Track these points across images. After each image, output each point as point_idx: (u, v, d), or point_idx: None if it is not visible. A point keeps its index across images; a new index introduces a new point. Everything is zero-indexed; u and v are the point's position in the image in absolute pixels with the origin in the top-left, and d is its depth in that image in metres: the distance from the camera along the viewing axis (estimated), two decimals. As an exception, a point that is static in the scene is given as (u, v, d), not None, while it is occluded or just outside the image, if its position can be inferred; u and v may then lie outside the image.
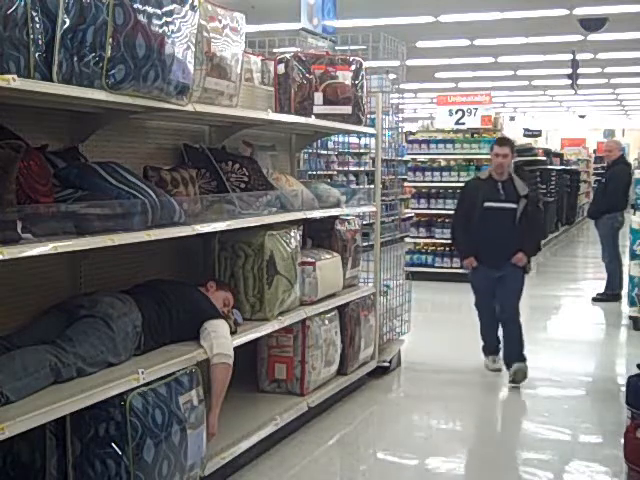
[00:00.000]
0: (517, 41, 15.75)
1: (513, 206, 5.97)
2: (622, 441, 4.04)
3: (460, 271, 10.97)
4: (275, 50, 6.35)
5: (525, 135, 24.46)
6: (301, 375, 4.90)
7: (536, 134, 25.63)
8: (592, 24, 13.52)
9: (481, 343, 6.47)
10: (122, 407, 3.09)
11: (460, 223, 6.24)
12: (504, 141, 6.25)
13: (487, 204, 6.00)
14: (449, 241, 11.05)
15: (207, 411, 3.62)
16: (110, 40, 2.95)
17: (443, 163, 12.10)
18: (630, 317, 8.15)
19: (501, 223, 5.97)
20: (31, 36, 2.76)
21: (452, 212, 11.23)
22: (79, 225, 3.02)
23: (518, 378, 5.95)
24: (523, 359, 6.04)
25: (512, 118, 31.92)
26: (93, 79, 3.00)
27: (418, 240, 11.57)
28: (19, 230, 2.71)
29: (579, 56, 16.40)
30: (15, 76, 2.60)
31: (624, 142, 16.57)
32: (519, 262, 6.00)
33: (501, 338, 6.28)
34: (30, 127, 3.34)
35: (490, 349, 6.45)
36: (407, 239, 11.34)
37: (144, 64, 3.10)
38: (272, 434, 4.42)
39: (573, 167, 20.38)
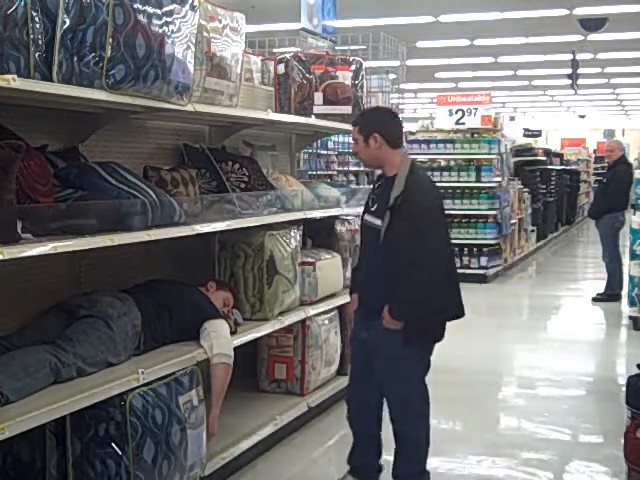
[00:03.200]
0: (517, 41, 15.76)
1: (376, 223, 3.58)
2: (622, 441, 4.04)
3: (460, 271, 11.02)
4: (275, 50, 6.36)
5: (525, 135, 24.49)
6: (301, 375, 4.90)
7: (536, 134, 25.65)
8: (592, 24, 13.54)
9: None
10: (122, 407, 3.09)
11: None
12: (355, 118, 3.92)
13: (365, 217, 3.77)
14: (449, 241, 11.05)
15: (207, 411, 3.62)
16: (110, 40, 2.95)
17: (443, 163, 12.09)
18: (630, 317, 8.14)
19: (367, 248, 3.76)
20: (31, 36, 2.77)
21: (453, 213, 11.41)
22: (79, 225, 3.02)
23: None
24: None
25: (512, 118, 31.93)
26: (93, 79, 3.00)
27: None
28: (19, 230, 2.71)
29: (579, 56, 16.41)
30: (15, 76, 2.60)
31: (624, 142, 16.53)
32: (387, 324, 3.54)
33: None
34: (30, 127, 3.34)
35: (360, 474, 3.85)
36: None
37: (144, 64, 3.10)
38: (272, 434, 4.42)
39: (573, 167, 20.39)
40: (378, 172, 3.92)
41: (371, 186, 4.00)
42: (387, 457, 3.85)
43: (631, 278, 8.16)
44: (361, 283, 3.77)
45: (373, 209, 3.65)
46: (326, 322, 5.10)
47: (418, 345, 3.60)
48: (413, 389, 3.69)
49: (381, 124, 3.68)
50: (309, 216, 4.93)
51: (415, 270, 3.46)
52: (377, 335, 3.60)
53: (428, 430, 3.75)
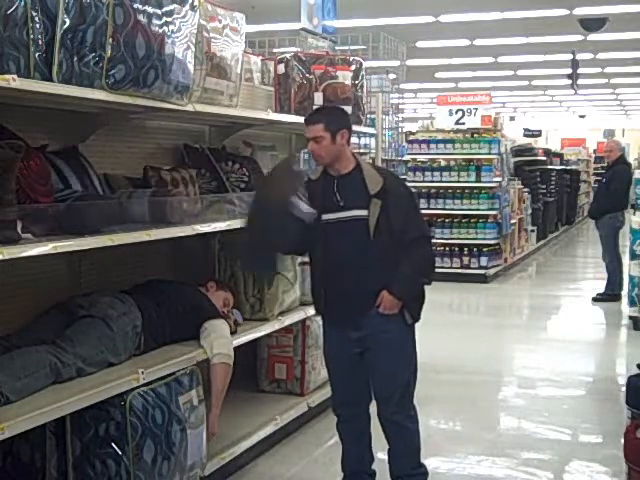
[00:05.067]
0: (517, 41, 15.77)
1: (360, 214, 3.48)
2: (622, 441, 4.04)
3: (460, 271, 11.05)
4: (275, 50, 6.37)
5: (525, 135, 24.50)
6: (301, 375, 4.90)
7: (536, 134, 25.67)
8: (592, 24, 13.54)
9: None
10: (122, 407, 3.09)
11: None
12: (313, 116, 3.66)
13: (325, 217, 3.53)
14: (449, 241, 11.09)
15: (207, 411, 3.62)
16: (110, 40, 2.95)
17: (443, 163, 12.10)
18: (630, 317, 8.14)
19: (345, 244, 3.51)
20: (31, 36, 2.76)
21: (453, 213, 11.41)
22: (79, 225, 3.02)
23: None
24: (421, 474, 3.75)
25: (512, 118, 31.95)
26: (93, 79, 3.00)
27: (418, 240, 11.56)
28: (19, 230, 2.71)
29: (579, 56, 16.42)
30: (15, 76, 2.60)
31: (624, 142, 16.53)
32: (386, 309, 3.49)
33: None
34: (30, 127, 3.34)
35: None
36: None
37: (144, 64, 3.10)
38: (272, 434, 4.42)
39: (573, 167, 20.39)
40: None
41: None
42: (382, 456, 3.84)
43: (631, 278, 8.16)
44: (342, 286, 3.55)
45: (342, 204, 3.51)
46: (326, 322, 5.09)
47: (409, 321, 3.59)
48: (412, 374, 3.66)
49: (347, 120, 3.69)
50: (309, 216, 4.92)
51: (419, 245, 3.58)
52: (377, 326, 3.52)
53: (418, 421, 3.73)
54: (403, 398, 3.63)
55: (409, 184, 11.86)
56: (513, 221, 12.14)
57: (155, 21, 3.14)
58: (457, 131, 12.05)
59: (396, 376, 3.61)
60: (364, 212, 3.48)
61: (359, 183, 3.53)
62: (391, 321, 3.52)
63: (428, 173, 11.56)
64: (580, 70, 16.98)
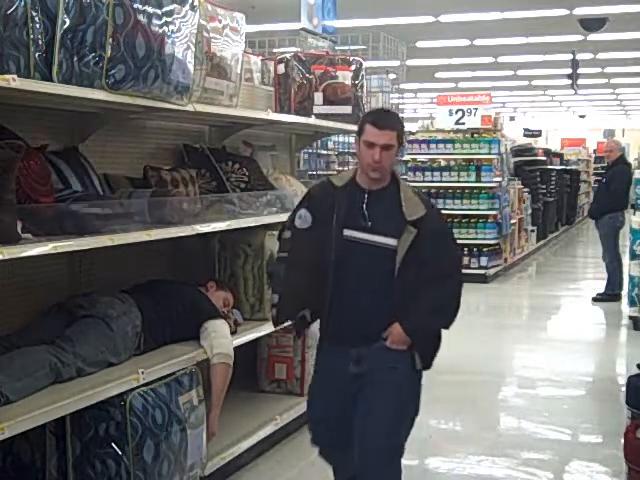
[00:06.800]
0: (517, 41, 15.77)
1: (388, 242, 3.00)
2: (622, 441, 4.04)
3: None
4: (275, 50, 6.37)
5: (525, 135, 24.49)
6: (301, 375, 4.90)
7: (536, 134, 25.67)
8: (592, 24, 13.55)
9: None
10: (122, 407, 3.10)
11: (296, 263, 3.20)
12: (388, 119, 3.09)
13: (347, 233, 3.05)
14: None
15: (207, 411, 3.62)
16: (110, 40, 2.95)
17: (443, 163, 12.10)
18: (630, 317, 8.14)
19: (362, 269, 3.05)
20: (31, 36, 2.77)
21: (453, 213, 11.39)
22: (79, 225, 3.02)
23: None
24: None
25: (512, 118, 31.95)
26: (93, 79, 3.00)
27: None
28: (19, 230, 2.71)
29: (579, 56, 16.42)
30: (15, 76, 2.60)
31: (624, 142, 16.53)
32: (393, 343, 3.01)
33: None
34: (30, 127, 3.34)
35: None
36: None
37: (144, 64, 3.10)
38: (272, 434, 4.42)
39: (573, 167, 20.38)
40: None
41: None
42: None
43: (631, 278, 8.17)
44: (350, 312, 3.07)
45: (370, 226, 3.04)
46: (326, 322, 5.08)
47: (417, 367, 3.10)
48: (407, 430, 3.11)
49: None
50: (309, 216, 4.91)
51: (447, 283, 3.11)
52: (380, 362, 3.03)
53: None
54: (390, 452, 3.03)
55: (409, 184, 11.88)
56: (513, 221, 12.14)
57: (155, 21, 3.14)
58: (457, 131, 12.05)
59: (389, 425, 3.01)
60: (393, 242, 2.99)
61: (393, 204, 3.04)
62: (398, 360, 3.03)
63: (428, 173, 11.56)
64: (580, 70, 16.99)
